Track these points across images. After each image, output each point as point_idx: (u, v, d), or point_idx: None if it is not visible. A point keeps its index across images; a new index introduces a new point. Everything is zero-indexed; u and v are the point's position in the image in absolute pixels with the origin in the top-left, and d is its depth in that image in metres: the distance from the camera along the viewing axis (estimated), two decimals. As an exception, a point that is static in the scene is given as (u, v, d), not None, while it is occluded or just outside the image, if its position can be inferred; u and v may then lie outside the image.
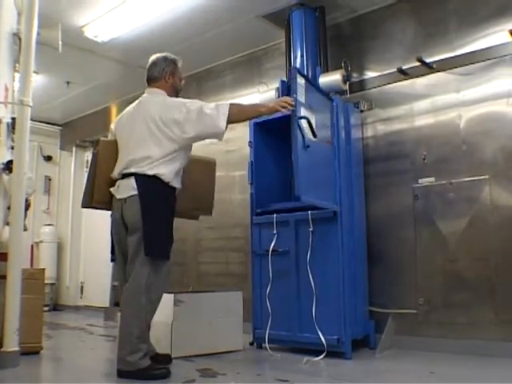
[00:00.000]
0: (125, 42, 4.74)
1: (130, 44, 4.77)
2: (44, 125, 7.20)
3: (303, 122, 3.02)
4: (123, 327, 2.77)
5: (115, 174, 2.92)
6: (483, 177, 3.37)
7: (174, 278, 5.32)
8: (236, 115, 2.88)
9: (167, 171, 2.82)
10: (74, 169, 7.34)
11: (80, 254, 7.19)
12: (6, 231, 3.19)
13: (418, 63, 3.63)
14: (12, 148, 3.20)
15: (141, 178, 2.79)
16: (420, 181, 3.63)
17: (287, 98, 2.96)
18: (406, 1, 3.92)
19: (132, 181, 2.80)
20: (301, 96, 3.08)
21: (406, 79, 3.80)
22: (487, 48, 3.44)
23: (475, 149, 3.44)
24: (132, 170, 2.83)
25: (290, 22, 4.07)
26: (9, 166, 3.04)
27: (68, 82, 5.82)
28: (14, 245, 3.00)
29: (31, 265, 6.67)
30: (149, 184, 2.79)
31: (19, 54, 3.20)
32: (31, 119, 3.15)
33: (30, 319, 3.25)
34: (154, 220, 2.76)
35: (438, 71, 3.66)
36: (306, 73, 3.92)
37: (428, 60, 3.65)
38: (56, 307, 6.93)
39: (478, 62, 3.48)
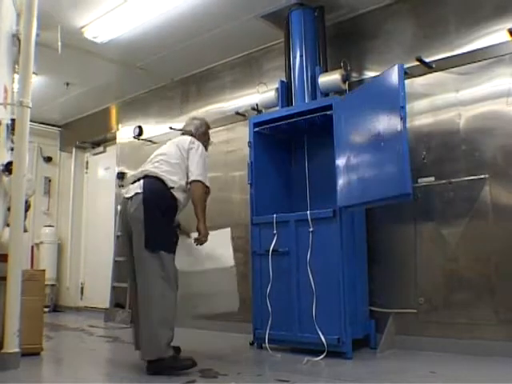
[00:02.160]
0: (124, 43, 4.73)
1: (129, 45, 4.77)
2: (44, 126, 7.20)
3: None
4: (147, 326, 2.89)
5: (135, 174, 3.26)
6: (483, 176, 3.37)
7: (175, 278, 5.33)
8: (199, 194, 3.16)
9: (177, 184, 3.11)
10: (73, 170, 7.34)
11: (80, 255, 7.19)
12: (6, 232, 3.19)
13: (417, 63, 3.63)
14: (12, 149, 3.21)
15: (147, 180, 3.09)
16: (420, 180, 3.63)
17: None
18: (405, 0, 3.92)
19: (140, 182, 3.09)
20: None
21: (406, 79, 3.78)
22: (486, 47, 3.44)
23: (475, 148, 3.44)
24: (146, 172, 3.15)
25: (289, 22, 4.06)
26: (9, 168, 3.05)
27: (67, 83, 5.82)
28: (14, 246, 3.00)
29: (31, 266, 6.67)
30: (153, 184, 3.07)
31: (18, 55, 3.20)
32: (31, 120, 3.16)
33: (30, 320, 3.26)
34: (154, 215, 2.98)
35: (438, 71, 3.66)
36: (305, 73, 3.93)
37: (427, 59, 3.64)
38: (56, 308, 6.94)
39: (477, 61, 3.48)
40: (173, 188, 3.09)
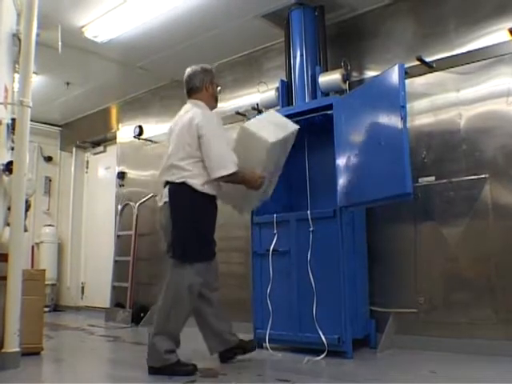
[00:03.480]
0: (124, 43, 4.73)
1: (129, 44, 4.77)
2: (44, 125, 7.20)
3: None
4: (162, 321, 2.90)
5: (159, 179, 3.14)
6: (483, 176, 3.37)
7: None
8: (229, 180, 2.98)
9: (196, 179, 2.94)
10: (74, 169, 7.34)
11: (80, 254, 7.20)
12: (6, 232, 3.19)
13: (417, 62, 3.62)
14: (12, 149, 3.21)
15: (171, 186, 2.98)
16: (420, 180, 3.62)
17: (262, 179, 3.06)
18: (406, 0, 3.92)
19: (166, 189, 3.01)
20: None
21: (406, 78, 3.78)
22: (487, 47, 3.43)
23: (475, 148, 3.44)
24: (167, 177, 3.02)
25: (289, 22, 4.06)
26: (9, 167, 3.05)
27: (68, 83, 5.82)
28: (14, 246, 3.00)
29: (32, 266, 6.67)
30: (177, 191, 2.96)
31: (19, 55, 3.21)
32: (31, 120, 3.16)
33: (30, 320, 3.26)
34: (181, 225, 2.92)
35: (438, 70, 3.66)
36: (305, 72, 3.93)
37: (427, 59, 3.64)
38: (57, 308, 6.93)
39: (477, 60, 3.48)
40: (203, 189, 2.95)
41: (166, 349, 2.86)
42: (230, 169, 2.91)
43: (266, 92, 4.23)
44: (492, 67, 3.42)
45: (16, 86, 3.34)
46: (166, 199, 2.98)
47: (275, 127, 3.22)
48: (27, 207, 3.24)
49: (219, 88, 3.37)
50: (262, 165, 3.08)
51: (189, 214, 2.93)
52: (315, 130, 3.97)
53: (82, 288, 7.06)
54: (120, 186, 6.32)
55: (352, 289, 3.41)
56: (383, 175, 3.04)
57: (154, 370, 2.86)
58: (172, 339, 2.90)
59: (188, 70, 3.28)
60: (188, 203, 2.94)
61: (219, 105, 5.17)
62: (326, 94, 3.88)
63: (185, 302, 2.92)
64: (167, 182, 3.02)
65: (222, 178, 2.94)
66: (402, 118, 2.88)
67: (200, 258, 2.96)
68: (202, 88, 3.20)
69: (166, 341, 2.87)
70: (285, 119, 3.40)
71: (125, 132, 6.39)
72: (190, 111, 3.10)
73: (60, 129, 7.55)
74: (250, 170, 3.04)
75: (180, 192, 2.95)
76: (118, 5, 4.06)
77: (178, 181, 2.95)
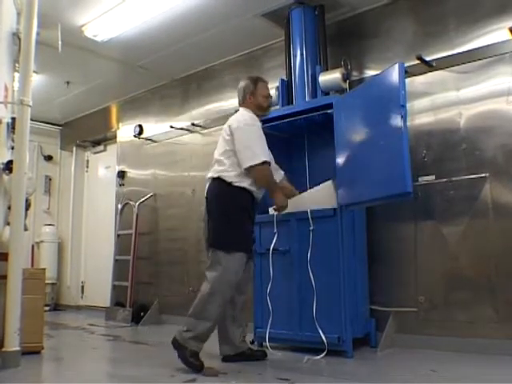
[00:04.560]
0: (124, 42, 4.73)
1: (129, 43, 4.77)
2: (44, 125, 7.20)
3: None
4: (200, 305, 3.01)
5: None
6: (483, 175, 3.37)
7: (175, 277, 5.34)
8: (257, 175, 3.15)
9: (231, 174, 3.13)
10: (74, 168, 7.34)
11: (81, 253, 7.20)
12: (6, 231, 3.19)
13: (417, 61, 3.62)
14: (12, 148, 3.21)
15: (213, 181, 3.20)
16: (420, 179, 3.62)
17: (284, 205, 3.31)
18: (406, -1, 3.92)
19: (210, 182, 3.23)
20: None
21: (406, 77, 3.77)
22: (487, 46, 3.43)
23: (475, 147, 3.44)
24: (210, 173, 3.25)
25: (289, 21, 4.06)
26: (9, 166, 3.04)
27: (68, 82, 5.82)
28: (14, 245, 3.00)
29: (32, 265, 6.68)
30: (215, 186, 3.18)
31: (19, 54, 3.20)
32: (31, 119, 3.15)
33: (30, 319, 3.26)
34: (219, 216, 3.12)
35: (438, 69, 3.66)
36: (305, 71, 3.93)
37: (428, 58, 3.64)
38: (57, 307, 6.94)
39: (477, 59, 3.47)
40: (236, 182, 3.12)
41: (192, 336, 2.95)
42: (259, 159, 3.08)
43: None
44: (492, 66, 3.42)
45: (16, 85, 3.33)
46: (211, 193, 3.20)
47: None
48: (27, 206, 3.24)
49: (268, 98, 3.44)
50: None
51: (228, 207, 3.13)
52: (315, 129, 3.97)
53: (82, 287, 7.06)
54: (120, 185, 6.32)
55: (352, 288, 3.41)
56: (383, 174, 3.04)
57: (175, 343, 2.98)
58: (202, 330, 2.97)
59: (240, 82, 3.48)
60: (225, 196, 3.13)
61: (219, 104, 5.24)
62: (326, 93, 3.88)
63: (223, 292, 3.01)
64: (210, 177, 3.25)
65: (251, 169, 3.08)
66: (402, 117, 2.88)
67: (235, 247, 3.06)
68: (247, 98, 3.38)
69: (196, 328, 2.96)
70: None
71: (125, 131, 6.39)
72: (233, 116, 3.35)
73: (60, 128, 7.55)
74: (286, 189, 3.51)
75: (216, 186, 3.17)
76: (117, 4, 4.06)
77: (215, 175, 3.18)
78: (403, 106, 2.92)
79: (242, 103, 3.40)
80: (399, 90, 2.95)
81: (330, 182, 3.55)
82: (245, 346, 3.27)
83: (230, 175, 3.12)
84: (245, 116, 3.26)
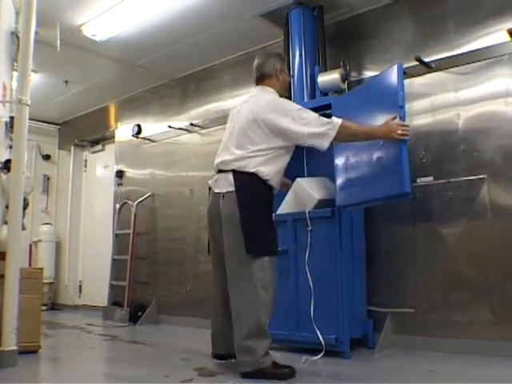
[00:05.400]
0: (123, 41, 4.73)
1: (128, 43, 4.76)
2: (42, 124, 7.18)
3: None
4: (241, 336, 2.72)
5: (215, 164, 2.98)
6: (482, 176, 3.37)
7: (173, 276, 5.34)
8: (345, 137, 2.85)
9: (267, 170, 2.83)
10: (72, 168, 7.32)
11: (78, 253, 7.19)
12: (4, 230, 3.19)
13: (416, 62, 3.62)
14: (10, 147, 3.20)
15: (239, 175, 2.81)
16: (418, 180, 3.63)
17: (405, 125, 2.81)
18: (405, 0, 3.92)
19: (230, 176, 2.83)
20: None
21: (405, 78, 3.78)
22: (486, 47, 3.43)
23: (473, 148, 3.44)
24: (230, 166, 2.86)
25: (288, 21, 4.06)
26: (7, 165, 3.05)
27: (66, 81, 5.80)
28: (12, 244, 3.00)
29: (29, 264, 6.67)
30: (246, 181, 2.80)
31: (17, 53, 3.20)
32: (29, 118, 3.15)
33: (28, 318, 3.25)
34: (252, 217, 2.76)
35: (437, 71, 3.66)
36: (304, 72, 3.93)
37: (426, 59, 3.64)
38: (54, 306, 6.93)
39: (476, 61, 3.48)
40: (268, 181, 2.83)
41: (264, 351, 2.72)
42: (336, 125, 2.76)
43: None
44: (491, 68, 3.42)
45: (14, 84, 3.33)
46: (232, 188, 2.81)
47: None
48: (25, 205, 3.24)
49: (290, 77, 3.17)
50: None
51: (259, 205, 2.81)
52: (314, 130, 3.96)
53: (80, 286, 7.05)
54: (118, 184, 6.31)
55: (350, 288, 3.41)
56: (382, 175, 3.04)
57: (247, 374, 2.70)
58: (268, 336, 2.77)
59: (258, 57, 3.11)
60: (258, 194, 2.81)
61: (218, 104, 5.24)
62: (324, 93, 3.88)
63: (269, 294, 2.78)
64: (229, 170, 2.86)
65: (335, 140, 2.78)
66: (400, 118, 2.88)
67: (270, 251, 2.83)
68: (273, 75, 3.03)
69: (263, 340, 2.73)
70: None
71: (123, 131, 6.38)
72: (261, 97, 2.95)
73: (58, 127, 7.53)
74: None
75: (250, 181, 2.81)
76: (116, 3, 4.05)
77: (247, 170, 2.80)
78: (402, 107, 2.91)
79: (266, 79, 3.03)
80: (398, 92, 2.95)
81: (298, 181, 3.56)
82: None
83: (268, 174, 2.84)
84: (280, 100, 2.93)
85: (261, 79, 3.07)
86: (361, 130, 2.87)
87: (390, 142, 2.84)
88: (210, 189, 3.03)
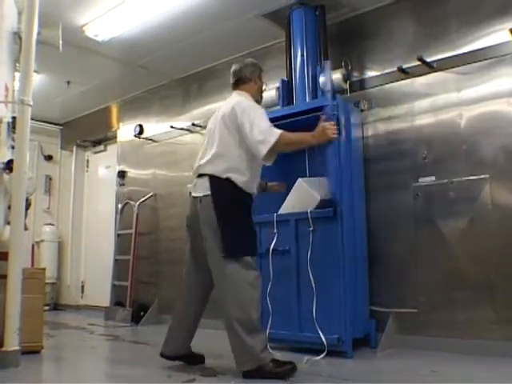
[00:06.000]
0: (125, 41, 4.73)
1: (130, 43, 4.77)
2: (44, 124, 7.19)
3: None
4: (236, 336, 2.72)
5: (194, 169, 3.03)
6: (483, 176, 3.37)
7: (175, 276, 5.33)
8: (281, 147, 2.85)
9: (240, 176, 2.86)
10: (74, 168, 7.34)
11: (81, 253, 7.20)
12: (6, 231, 3.19)
13: (418, 62, 3.62)
14: (12, 147, 3.21)
15: (214, 180, 2.86)
16: (420, 180, 3.62)
17: (330, 124, 2.93)
18: (407, 0, 3.92)
19: (207, 181, 2.88)
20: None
21: (407, 78, 3.79)
22: (488, 47, 3.43)
23: (476, 148, 3.44)
24: (206, 170, 2.90)
25: (290, 21, 4.06)
26: (9, 166, 3.04)
27: (68, 82, 5.82)
28: (14, 244, 3.00)
29: (32, 264, 6.67)
30: (221, 186, 2.84)
31: (20, 54, 3.20)
32: (32, 118, 3.16)
33: (30, 319, 3.26)
34: (228, 220, 2.80)
35: (439, 70, 3.65)
36: (306, 72, 3.92)
37: (428, 59, 3.64)
38: (57, 307, 6.95)
39: (478, 61, 3.47)
40: (242, 188, 2.87)
41: (261, 347, 2.73)
42: (274, 140, 2.77)
43: (267, 91, 4.21)
44: (493, 68, 3.42)
45: (17, 84, 3.33)
46: (208, 192, 2.85)
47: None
48: (27, 206, 3.24)
49: (265, 87, 3.29)
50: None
51: (235, 208, 2.86)
52: (316, 130, 3.96)
53: (82, 287, 7.06)
54: (120, 184, 6.32)
55: (352, 288, 3.41)
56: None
57: (250, 375, 2.69)
58: (262, 331, 2.81)
59: (236, 64, 3.21)
60: (232, 198, 2.85)
61: (220, 104, 5.21)
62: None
63: (250, 290, 2.78)
64: (205, 174, 2.91)
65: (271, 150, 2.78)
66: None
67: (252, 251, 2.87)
68: (251, 80, 3.13)
69: (259, 336, 2.75)
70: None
71: (125, 131, 6.39)
72: (233, 99, 3.03)
73: (60, 127, 7.54)
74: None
75: (224, 187, 2.85)
76: (118, 3, 4.06)
77: (221, 175, 2.84)
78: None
79: (243, 83, 3.12)
80: None
81: (300, 181, 3.57)
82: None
83: (241, 180, 2.87)
84: (251, 103, 2.98)
85: (238, 84, 3.15)
86: (295, 138, 2.93)
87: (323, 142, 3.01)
88: (190, 193, 3.08)
